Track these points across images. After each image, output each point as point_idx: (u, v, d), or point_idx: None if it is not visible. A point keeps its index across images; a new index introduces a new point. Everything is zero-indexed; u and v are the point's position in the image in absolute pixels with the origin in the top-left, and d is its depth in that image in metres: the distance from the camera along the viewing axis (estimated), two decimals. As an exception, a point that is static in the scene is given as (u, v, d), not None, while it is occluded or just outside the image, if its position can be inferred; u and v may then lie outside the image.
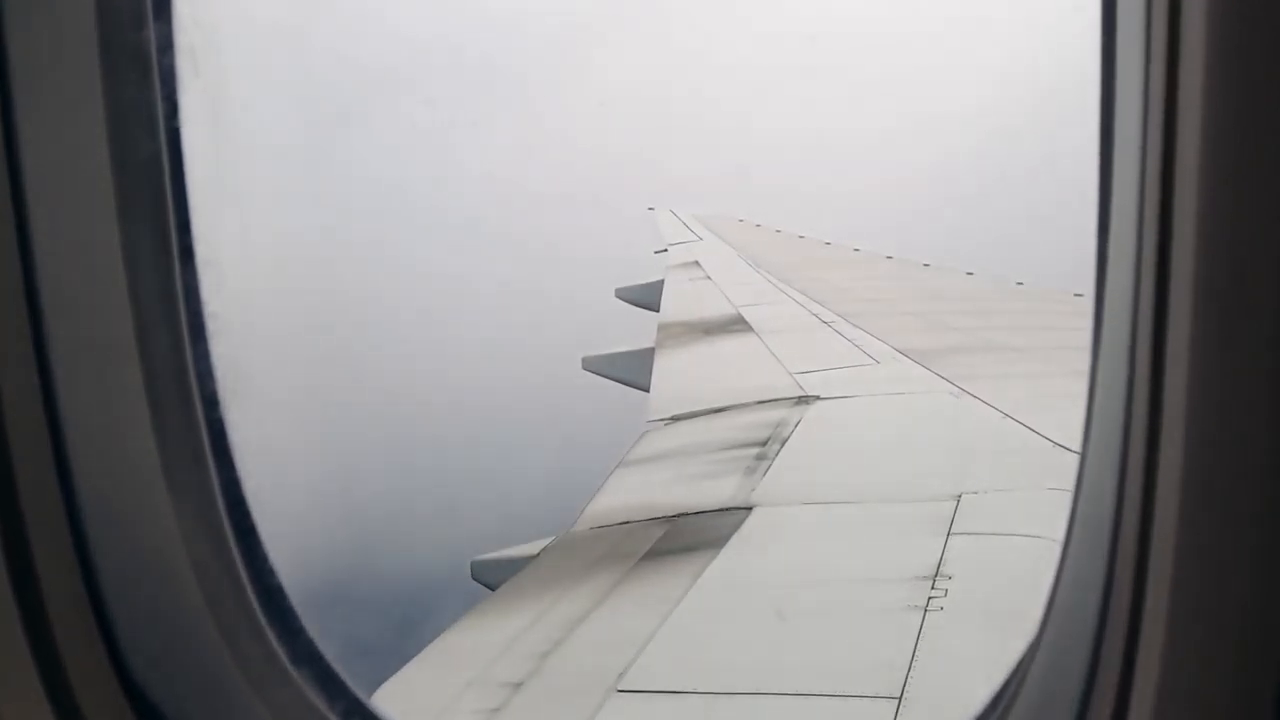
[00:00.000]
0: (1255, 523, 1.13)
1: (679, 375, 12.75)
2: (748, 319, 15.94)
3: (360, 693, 1.75)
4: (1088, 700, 1.31)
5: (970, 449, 8.29)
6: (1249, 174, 1.09)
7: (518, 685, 4.94)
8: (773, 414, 9.96)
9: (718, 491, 7.72)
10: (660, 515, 7.39)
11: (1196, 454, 1.13)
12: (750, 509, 7.20)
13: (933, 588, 5.44)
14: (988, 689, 1.58)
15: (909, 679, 4.52)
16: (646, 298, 21.05)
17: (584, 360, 16.20)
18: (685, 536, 6.90)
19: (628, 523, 7.41)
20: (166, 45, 1.41)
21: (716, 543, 6.59)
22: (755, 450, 8.74)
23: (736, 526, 6.86)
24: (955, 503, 6.72)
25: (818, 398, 10.43)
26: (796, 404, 10.26)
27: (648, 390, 12.26)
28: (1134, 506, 1.21)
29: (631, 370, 14.43)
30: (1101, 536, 1.27)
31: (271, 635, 1.62)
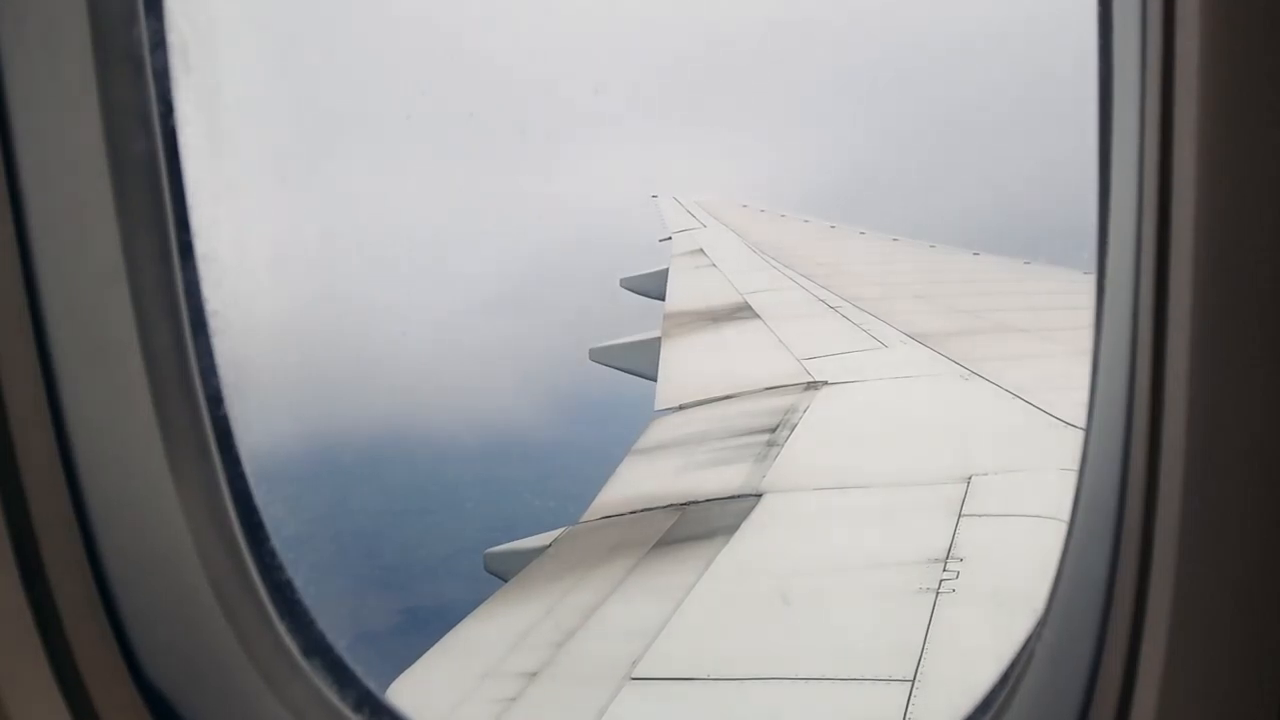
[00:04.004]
0: (1258, 501, 1.12)
1: (686, 364, 12.74)
2: (753, 306, 15.91)
3: (373, 685, 1.76)
4: (1094, 679, 1.31)
5: (980, 431, 8.28)
6: (1246, 153, 1.08)
7: (533, 675, 4.96)
8: (781, 400, 9.95)
9: (728, 479, 7.72)
10: (671, 503, 7.40)
11: (1199, 433, 1.13)
12: (760, 495, 7.20)
13: (944, 570, 5.44)
14: (999, 670, 1.58)
15: (922, 662, 4.52)
16: (652, 286, 21.03)
17: (591, 351, 16.22)
18: (696, 524, 6.90)
19: (638, 511, 7.42)
20: (159, 42, 1.41)
21: (727, 530, 6.60)
22: (764, 437, 8.73)
23: (747, 513, 6.87)
24: (965, 485, 6.71)
25: (826, 383, 10.41)
26: (805, 390, 10.25)
27: (655, 380, 12.25)
28: (1138, 487, 1.21)
29: (638, 360, 14.44)
30: (1106, 517, 1.27)
31: (282, 629, 1.63)
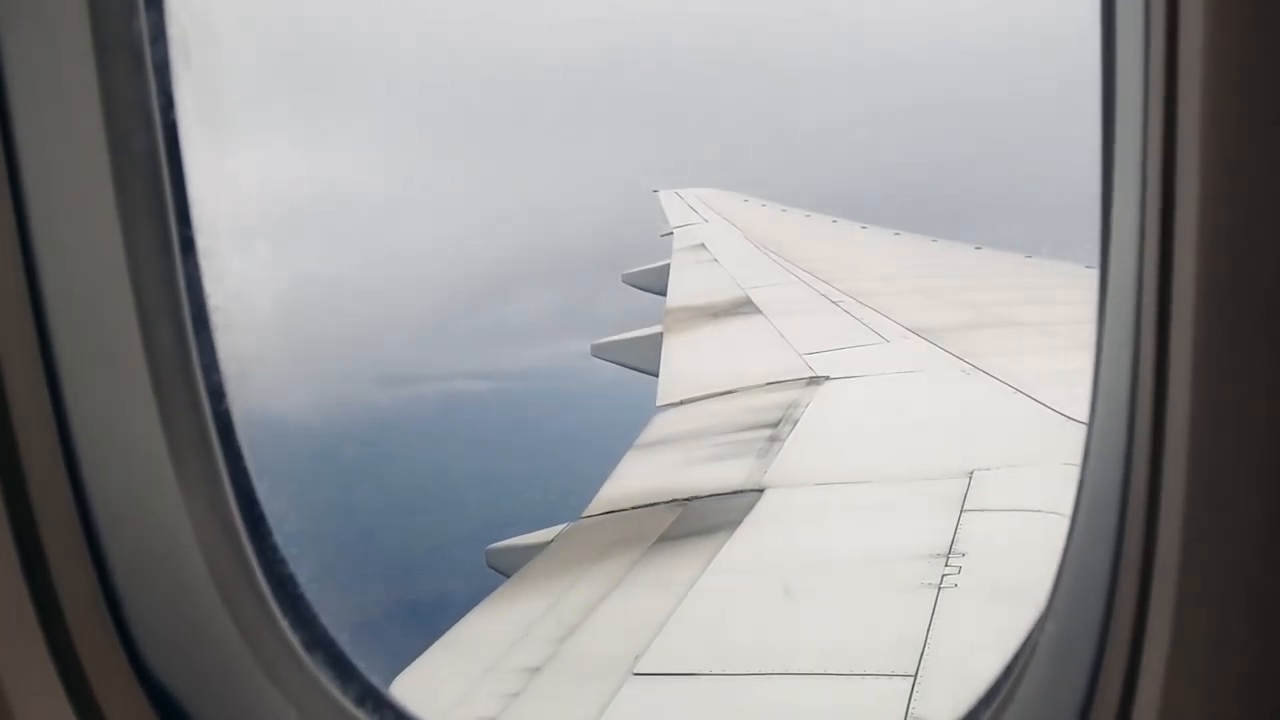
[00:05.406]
0: (1261, 496, 1.12)
1: (688, 359, 12.73)
2: (755, 301, 15.90)
3: (376, 679, 1.76)
4: (1097, 674, 1.30)
5: (981, 425, 8.27)
6: (1250, 148, 1.08)
7: (535, 670, 4.97)
8: (783, 395, 9.95)
9: (730, 474, 7.72)
10: (673, 499, 7.40)
11: (1202, 428, 1.13)
12: (762, 491, 7.20)
13: (946, 565, 5.44)
14: (1001, 665, 1.58)
15: (924, 657, 4.52)
16: (653, 281, 21.01)
17: (593, 347, 16.23)
18: (698, 519, 6.91)
19: (640, 507, 7.42)
20: (159, 35, 1.41)
21: (729, 525, 6.60)
22: (766, 432, 8.73)
23: (749, 508, 6.87)
24: (967, 479, 6.70)
25: (828, 378, 10.41)
26: (807, 385, 10.25)
27: (657, 375, 12.25)
28: (1141, 481, 1.20)
29: (640, 356, 14.43)
30: (1109, 512, 1.27)
31: (285, 624, 1.63)
